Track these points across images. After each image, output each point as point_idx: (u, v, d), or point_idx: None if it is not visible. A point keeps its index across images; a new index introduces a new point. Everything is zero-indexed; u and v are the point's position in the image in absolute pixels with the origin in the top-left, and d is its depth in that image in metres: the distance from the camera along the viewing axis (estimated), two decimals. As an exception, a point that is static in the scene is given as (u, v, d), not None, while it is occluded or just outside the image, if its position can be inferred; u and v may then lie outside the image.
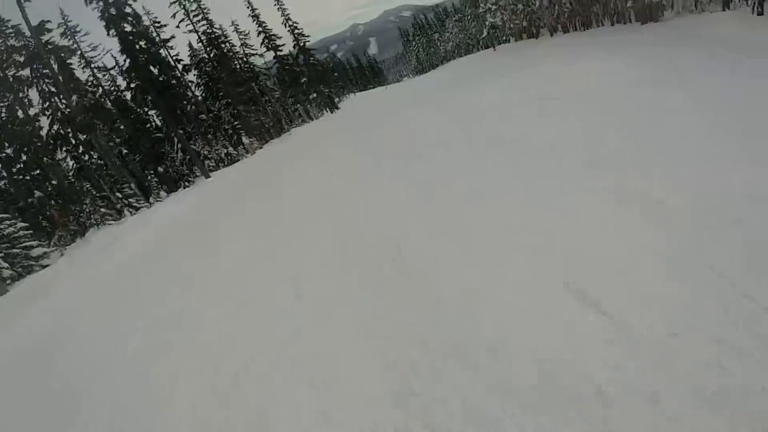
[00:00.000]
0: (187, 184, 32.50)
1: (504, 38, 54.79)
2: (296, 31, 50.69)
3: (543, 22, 44.68)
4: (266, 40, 47.76)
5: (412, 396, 3.54)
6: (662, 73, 10.24)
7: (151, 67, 34.07)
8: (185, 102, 36.37)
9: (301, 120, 50.41)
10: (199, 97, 40.05)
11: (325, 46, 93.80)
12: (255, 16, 47.32)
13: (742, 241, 3.85)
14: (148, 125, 34.88)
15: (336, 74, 75.87)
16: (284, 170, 18.44)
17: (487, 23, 48.21)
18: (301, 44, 51.09)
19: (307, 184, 13.33)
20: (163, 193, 31.68)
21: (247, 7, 47.40)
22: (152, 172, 33.32)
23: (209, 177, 31.69)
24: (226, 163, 36.05)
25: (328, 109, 52.60)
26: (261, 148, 38.66)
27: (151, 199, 29.71)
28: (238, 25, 45.69)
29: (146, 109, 35.00)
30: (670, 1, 25.16)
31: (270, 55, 48.96)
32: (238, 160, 36.01)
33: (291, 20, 50.49)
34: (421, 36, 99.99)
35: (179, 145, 33.20)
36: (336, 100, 57.88)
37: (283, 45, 49.09)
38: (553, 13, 40.81)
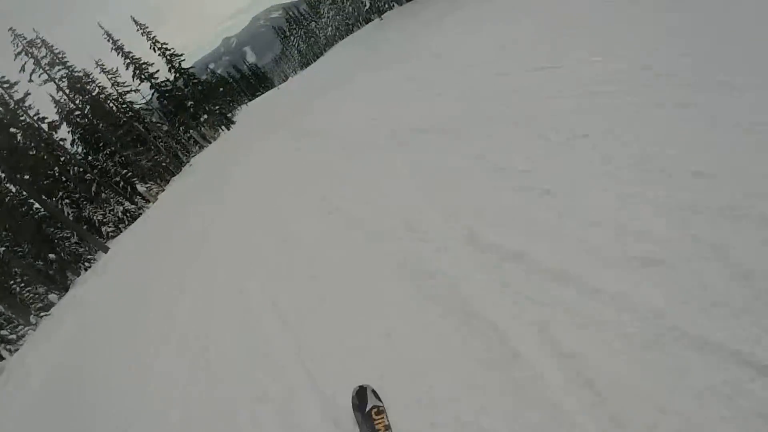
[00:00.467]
0: (87, 265, 27.39)
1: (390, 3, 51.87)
2: (168, 52, 44.94)
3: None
4: (137, 71, 42.41)
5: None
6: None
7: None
8: (62, 164, 31.12)
9: (199, 146, 45.96)
10: (79, 155, 34.83)
11: (202, 67, 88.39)
12: (118, 48, 41.69)
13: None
14: (24, 207, 28.81)
15: (222, 90, 70.60)
16: (191, 219, 15.08)
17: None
18: (177, 65, 45.40)
19: (224, 233, 10.36)
20: (52, 296, 25.39)
21: (108, 40, 41.69)
22: (43, 262, 27.51)
23: (107, 250, 27.09)
24: (126, 222, 31.09)
25: (224, 127, 47.82)
26: (163, 190, 34.05)
27: (32, 317, 23.43)
28: (103, 64, 40.36)
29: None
30: None
31: (147, 87, 43.73)
32: (140, 214, 31.19)
33: (159, 42, 44.77)
34: (298, 29, 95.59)
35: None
36: (229, 115, 52.97)
37: (157, 72, 43.98)
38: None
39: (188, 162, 38.57)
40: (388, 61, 18.21)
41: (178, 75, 45.46)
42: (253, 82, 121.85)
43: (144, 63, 42.71)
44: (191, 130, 44.67)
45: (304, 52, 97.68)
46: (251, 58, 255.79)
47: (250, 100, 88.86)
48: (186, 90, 45.50)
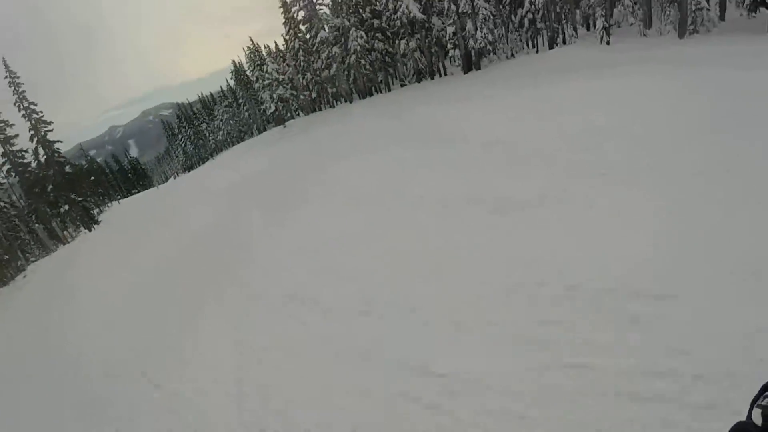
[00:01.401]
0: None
1: (293, 112, 49.31)
2: (34, 115, 37.24)
3: (339, 88, 40.29)
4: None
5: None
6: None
7: None
8: None
9: (40, 250, 36.98)
10: None
11: (81, 152, 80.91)
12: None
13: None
14: None
15: (92, 178, 62.56)
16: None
17: (274, 96, 42.05)
18: (42, 134, 37.60)
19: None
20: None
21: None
22: None
23: None
24: None
25: (83, 227, 39.81)
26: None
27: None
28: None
29: None
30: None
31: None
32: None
33: (27, 100, 37.03)
34: (188, 127, 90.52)
35: None
36: (95, 211, 45.02)
37: (16, 136, 36.31)
38: (349, 78, 36.74)
39: (23, 272, 30.51)
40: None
41: (41, 148, 37.60)
42: (131, 177, 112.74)
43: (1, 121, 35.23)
44: (38, 224, 36.22)
45: (191, 153, 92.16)
46: (134, 152, 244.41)
47: (123, 197, 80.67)
48: (47, 171, 37.73)
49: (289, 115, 45.85)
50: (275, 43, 64.29)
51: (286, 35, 44.51)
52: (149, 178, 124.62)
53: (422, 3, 31.50)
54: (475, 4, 27.52)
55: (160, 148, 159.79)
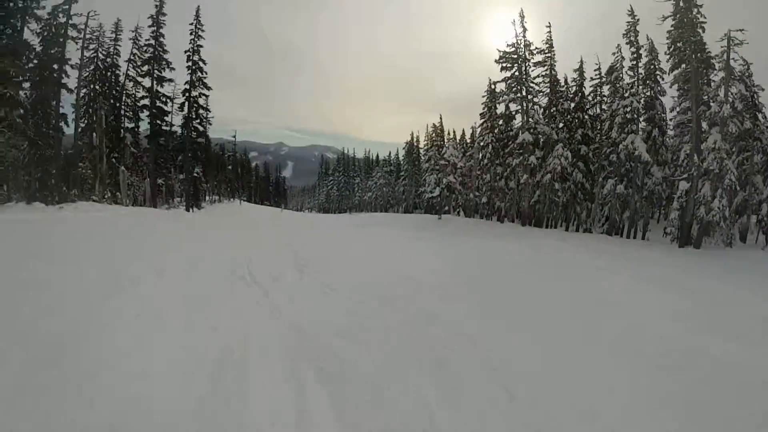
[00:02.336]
0: None
1: (451, 207, 44.64)
2: (202, 77, 35.63)
3: (512, 204, 34.99)
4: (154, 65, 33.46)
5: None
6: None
7: None
8: None
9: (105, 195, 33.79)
10: None
11: (246, 149, 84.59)
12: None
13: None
14: None
15: (230, 167, 62.88)
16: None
17: (443, 182, 37.84)
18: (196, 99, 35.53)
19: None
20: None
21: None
22: None
23: None
24: None
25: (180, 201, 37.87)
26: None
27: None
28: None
29: None
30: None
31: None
32: None
33: (202, 69, 35.46)
34: (342, 174, 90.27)
35: None
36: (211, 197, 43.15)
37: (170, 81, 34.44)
38: (531, 198, 31.23)
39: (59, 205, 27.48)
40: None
41: (192, 114, 35.42)
42: (270, 190, 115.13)
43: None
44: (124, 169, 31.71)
45: (333, 198, 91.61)
46: (288, 172, 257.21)
47: (246, 201, 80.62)
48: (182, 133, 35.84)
49: (447, 208, 41.30)
50: (463, 131, 61.26)
51: (480, 125, 40.91)
52: (285, 200, 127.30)
53: (650, 144, 25.87)
54: (723, 164, 20.85)
55: (311, 181, 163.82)
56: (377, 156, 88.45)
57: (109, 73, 32.54)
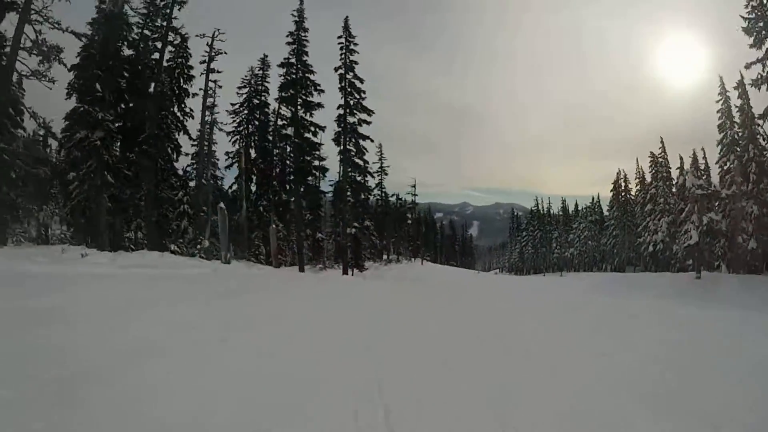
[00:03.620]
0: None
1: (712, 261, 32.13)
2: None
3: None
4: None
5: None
6: None
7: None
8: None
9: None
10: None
11: (429, 209, 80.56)
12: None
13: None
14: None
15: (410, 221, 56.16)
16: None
17: (703, 221, 26.58)
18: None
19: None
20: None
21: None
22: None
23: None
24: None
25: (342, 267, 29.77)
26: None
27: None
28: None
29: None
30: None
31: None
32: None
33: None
34: (536, 228, 79.38)
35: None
36: (388, 256, 36.10)
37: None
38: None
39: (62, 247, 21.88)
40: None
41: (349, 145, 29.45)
42: (456, 249, 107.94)
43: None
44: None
45: (528, 257, 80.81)
46: (474, 231, 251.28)
47: (430, 261, 73.36)
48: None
49: (702, 266, 28.88)
50: (694, 152, 46.31)
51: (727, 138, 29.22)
52: (473, 259, 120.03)
53: None
54: None
55: (498, 239, 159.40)
56: (576, 205, 76.46)
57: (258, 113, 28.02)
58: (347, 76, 28.14)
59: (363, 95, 28.59)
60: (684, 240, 29.46)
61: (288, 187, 27.83)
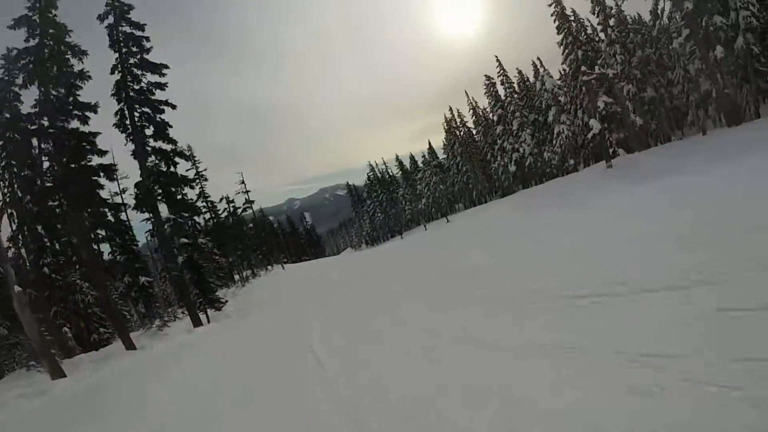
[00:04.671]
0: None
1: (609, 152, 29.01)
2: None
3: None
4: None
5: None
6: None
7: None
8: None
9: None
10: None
11: (263, 213, 73.43)
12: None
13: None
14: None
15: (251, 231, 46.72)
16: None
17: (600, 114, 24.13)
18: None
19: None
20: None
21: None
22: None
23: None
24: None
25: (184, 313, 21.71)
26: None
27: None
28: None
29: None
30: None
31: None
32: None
33: None
34: (381, 192, 74.12)
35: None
36: (223, 292, 27.19)
37: None
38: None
39: None
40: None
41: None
42: (303, 243, 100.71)
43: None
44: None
45: (379, 223, 75.57)
46: (308, 222, 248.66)
47: (289, 262, 65.98)
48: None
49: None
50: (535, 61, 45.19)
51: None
52: (322, 247, 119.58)
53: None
54: None
55: (333, 224, 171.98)
56: (411, 157, 72.82)
57: None
58: (121, 28, 18.53)
59: (147, 44, 18.99)
60: (586, 132, 27.30)
61: (59, 214, 17.18)
